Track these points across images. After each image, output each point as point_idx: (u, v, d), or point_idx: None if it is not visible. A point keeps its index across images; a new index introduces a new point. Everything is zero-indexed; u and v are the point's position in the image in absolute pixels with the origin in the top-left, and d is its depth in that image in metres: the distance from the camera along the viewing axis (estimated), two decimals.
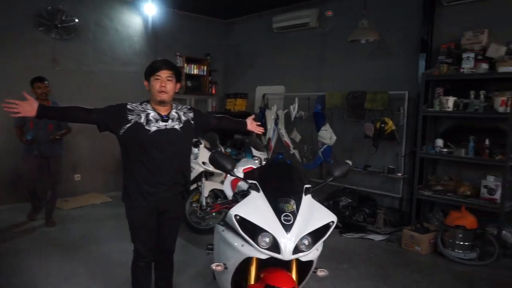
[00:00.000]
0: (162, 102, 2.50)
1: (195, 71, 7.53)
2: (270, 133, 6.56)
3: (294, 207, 2.06)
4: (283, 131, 6.44)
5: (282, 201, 2.07)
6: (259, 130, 3.11)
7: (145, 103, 2.55)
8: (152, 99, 2.52)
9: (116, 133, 2.46)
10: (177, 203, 2.68)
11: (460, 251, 4.13)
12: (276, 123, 6.52)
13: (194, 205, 4.89)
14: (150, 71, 2.47)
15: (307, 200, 2.17)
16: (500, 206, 4.18)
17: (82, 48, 6.27)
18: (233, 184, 3.24)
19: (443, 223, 4.36)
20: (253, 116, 3.17)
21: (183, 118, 2.59)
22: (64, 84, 6.08)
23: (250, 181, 2.23)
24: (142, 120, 2.46)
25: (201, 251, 4.22)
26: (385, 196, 5.50)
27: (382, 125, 5.05)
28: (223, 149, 5.12)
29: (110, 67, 6.53)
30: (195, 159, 4.89)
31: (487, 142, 4.31)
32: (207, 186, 4.77)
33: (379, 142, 5.21)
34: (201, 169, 4.76)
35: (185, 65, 7.33)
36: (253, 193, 2.18)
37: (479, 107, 4.36)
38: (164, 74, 2.47)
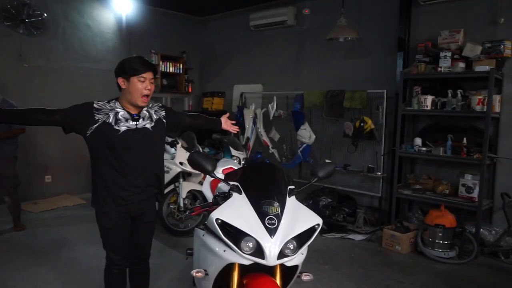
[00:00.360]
0: (140, 106, 2.36)
1: (171, 69, 7.34)
2: (248, 132, 6.46)
3: (278, 209, 1.96)
4: (261, 130, 6.34)
5: (266, 204, 1.97)
6: (234, 129, 3.02)
7: (113, 101, 2.38)
8: (125, 98, 2.34)
9: (83, 134, 2.29)
10: (151, 206, 2.54)
11: (440, 250, 4.14)
12: (254, 122, 6.42)
13: (172, 206, 4.74)
14: (133, 71, 2.28)
15: (291, 202, 2.08)
16: (478, 204, 4.21)
17: (51, 44, 6.00)
18: (213, 186, 3.11)
19: (423, 222, 4.36)
20: (227, 114, 3.05)
21: (155, 116, 2.45)
22: (32, 82, 5.82)
23: (231, 183, 2.12)
24: (111, 119, 2.30)
25: (179, 254, 4.09)
26: (364, 195, 5.49)
27: (361, 124, 5.03)
28: (201, 149, 4.99)
29: (81, 64, 6.28)
30: (172, 159, 4.74)
31: (464, 140, 4.34)
32: (185, 187, 4.63)
33: (358, 141, 5.18)
34: (179, 170, 4.62)
35: (161, 62, 7.12)
36: (235, 195, 2.07)
37: (456, 106, 4.38)
38: (149, 76, 2.33)
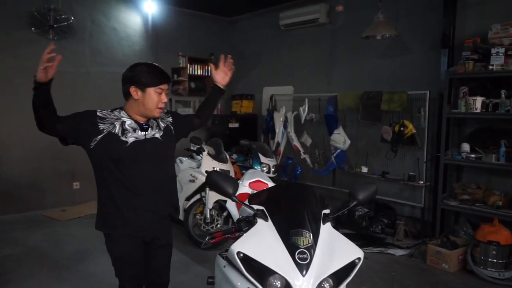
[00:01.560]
0: (153, 118, 2.15)
1: (199, 72, 7.15)
2: (279, 137, 6.16)
3: (311, 240, 1.66)
4: (292, 134, 6.03)
5: (296, 234, 1.67)
6: (230, 68, 2.49)
7: (117, 110, 2.14)
8: (136, 109, 2.10)
9: (87, 146, 2.04)
10: (166, 228, 2.29)
11: (494, 270, 3.70)
12: (285, 126, 6.12)
13: (198, 217, 4.51)
14: (151, 82, 2.04)
15: (326, 230, 1.77)
16: None
17: (78, 48, 5.92)
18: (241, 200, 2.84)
19: (473, 237, 3.92)
20: (212, 67, 2.52)
21: (162, 124, 2.21)
22: (59, 86, 5.69)
23: (256, 207, 1.83)
24: (117, 129, 2.06)
25: (204, 270, 3.85)
26: (404, 205, 5.07)
27: (401, 128, 4.62)
28: (228, 156, 4.73)
29: (108, 68, 6.17)
30: (198, 168, 4.52)
31: None
32: (211, 197, 4.38)
33: (398, 146, 4.77)
34: (204, 179, 4.38)
35: (188, 65, 6.95)
36: (260, 222, 1.77)
37: (511, 108, 3.91)
38: (166, 87, 2.11)
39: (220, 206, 4.51)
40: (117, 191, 2.06)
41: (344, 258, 1.67)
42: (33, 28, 5.45)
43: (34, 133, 2.19)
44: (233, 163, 5.15)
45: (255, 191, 3.02)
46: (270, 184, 3.10)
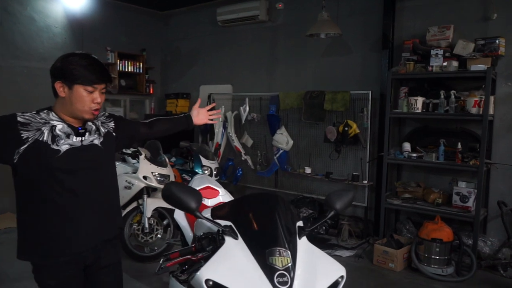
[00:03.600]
0: (88, 120, 1.80)
1: (130, 68, 6.63)
2: (218, 138, 5.90)
3: (290, 260, 1.44)
4: (233, 135, 5.80)
5: (272, 253, 1.44)
6: (213, 117, 2.35)
7: (45, 111, 1.76)
8: (65, 109, 1.74)
9: (9, 161, 1.66)
10: (112, 246, 1.93)
11: (437, 267, 3.77)
12: (224, 126, 5.87)
13: (135, 226, 4.10)
14: (82, 78, 1.67)
15: (304, 246, 1.57)
16: (475, 214, 3.88)
17: None
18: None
19: (417, 235, 3.98)
20: (198, 102, 2.32)
21: (102, 129, 1.88)
22: None
23: (223, 223, 1.57)
24: (46, 136, 1.68)
25: (143, 286, 3.48)
26: None
27: (346, 128, 4.60)
28: (167, 159, 4.37)
29: (24, 62, 5.46)
30: (134, 173, 4.11)
31: (459, 145, 3.99)
32: (150, 205, 4.01)
33: (342, 146, 4.75)
34: (142, 185, 3.99)
35: (118, 61, 6.41)
36: (228, 241, 1.52)
37: (450, 108, 4.03)
38: (100, 86, 1.74)
39: (159, 214, 4.15)
40: (47, 212, 1.69)
41: (327, 278, 1.48)
42: None
43: None
44: (171, 166, 4.79)
45: (205, 200, 2.76)
46: (221, 190, 2.83)
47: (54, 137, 1.70)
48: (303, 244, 1.57)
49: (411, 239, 4.12)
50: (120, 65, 6.47)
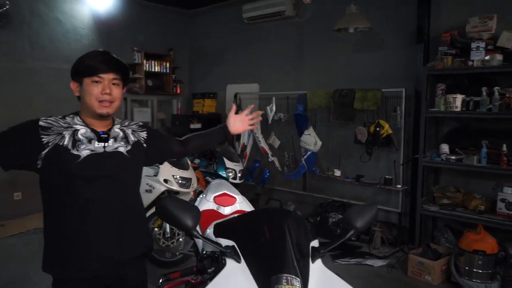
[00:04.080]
0: (102, 116, 1.66)
1: (156, 69, 6.57)
2: (244, 139, 5.73)
3: None
4: (259, 135, 5.60)
5: (279, 281, 1.24)
6: (254, 121, 2.08)
7: (70, 116, 1.68)
8: (84, 110, 1.66)
9: (32, 167, 1.58)
10: (137, 267, 1.76)
11: (480, 281, 3.42)
12: None
13: (156, 230, 3.99)
14: (86, 71, 1.60)
15: (318, 271, 1.36)
16: None
17: (16, 42, 5.20)
18: (204, 221, 2.38)
19: (457, 245, 3.64)
20: (233, 108, 2.08)
21: (132, 138, 1.75)
22: None
23: (224, 243, 1.38)
24: (66, 141, 1.58)
25: None
26: (378, 209, 4.75)
27: (377, 129, 4.30)
28: (189, 161, 4.23)
29: (52, 64, 5.48)
30: (155, 176, 4.00)
31: (504, 147, 3.62)
32: None
33: (374, 148, 4.46)
34: (163, 188, 3.88)
35: (145, 61, 6.36)
36: (230, 264, 1.33)
37: (493, 106, 3.66)
38: (108, 76, 1.62)
39: None
40: (69, 222, 1.59)
41: None
42: None
43: None
44: (195, 168, 4.66)
45: (221, 208, 2.58)
46: (239, 197, 2.66)
47: (75, 142, 1.60)
48: (317, 269, 1.35)
49: (450, 250, 3.79)
50: (147, 65, 6.42)
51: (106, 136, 1.66)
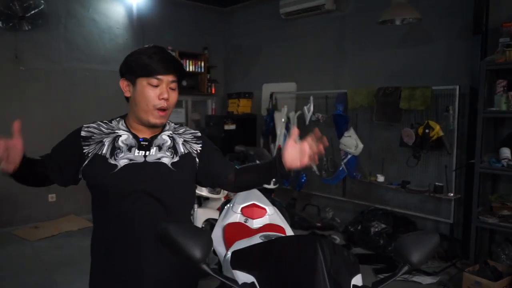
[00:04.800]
0: (155, 127, 1.45)
1: (191, 68, 6.42)
2: (280, 140, 5.44)
3: None
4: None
5: None
6: (318, 150, 1.47)
7: (117, 119, 1.50)
8: (133, 113, 1.45)
9: (76, 181, 1.47)
10: None
11: None
12: (287, 128, 5.39)
13: None
14: (143, 70, 1.38)
15: None
16: None
17: (52, 43, 5.20)
18: (230, 236, 2.12)
19: None
20: (294, 133, 1.49)
21: (182, 148, 1.50)
22: (31, 88, 5.05)
23: (242, 276, 1.11)
24: (105, 149, 1.40)
25: None
26: (426, 219, 4.33)
27: (426, 131, 3.89)
28: None
29: (86, 65, 5.45)
30: None
31: None
32: (201, 216, 3.67)
33: (422, 152, 4.04)
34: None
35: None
36: None
37: None
38: (168, 79, 1.40)
39: (211, 226, 3.79)
40: (106, 240, 1.44)
41: None
42: (0, 23, 4.74)
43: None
44: None
45: (249, 220, 2.32)
46: (269, 208, 2.38)
47: (114, 150, 1.40)
48: None
49: None
50: None
51: (147, 143, 1.43)
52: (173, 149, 1.47)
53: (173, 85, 1.42)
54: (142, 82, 1.38)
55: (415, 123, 4.10)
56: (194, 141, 1.54)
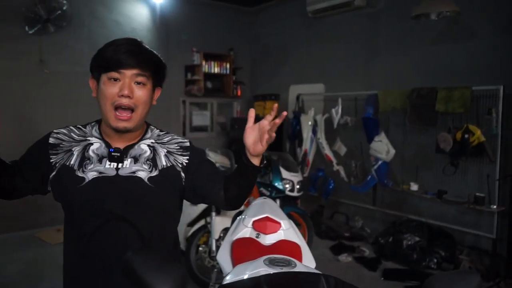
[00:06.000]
0: (121, 132, 1.23)
1: (216, 70, 6.28)
2: (306, 144, 5.17)
3: None
4: (323, 141, 5.02)
5: None
6: (268, 138, 1.18)
7: (92, 123, 1.34)
8: (103, 118, 1.26)
9: (45, 193, 1.30)
10: None
11: None
12: (314, 131, 5.12)
13: (201, 248, 3.61)
14: (102, 64, 1.21)
15: None
16: None
17: (75, 45, 5.18)
18: (238, 253, 1.90)
19: None
20: (250, 117, 1.24)
21: (164, 160, 1.28)
22: (55, 90, 5.04)
23: None
24: (74, 159, 1.22)
25: None
26: (465, 232, 3.95)
27: (465, 135, 3.53)
28: None
29: None
30: None
31: None
32: (218, 224, 3.47)
33: (461, 159, 3.68)
34: None
35: (204, 62, 6.09)
36: None
37: None
38: (131, 72, 1.19)
39: None
40: (72, 263, 1.26)
41: None
42: (27, 28, 4.76)
43: (29, 142, 1.37)
44: None
45: (261, 236, 2.09)
46: (284, 223, 2.13)
47: (83, 160, 1.21)
48: None
49: None
50: (206, 66, 6.15)
51: (118, 154, 1.22)
52: (152, 161, 1.26)
53: (141, 79, 1.20)
54: (104, 77, 1.20)
55: (452, 127, 3.74)
56: (179, 153, 1.32)
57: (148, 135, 1.33)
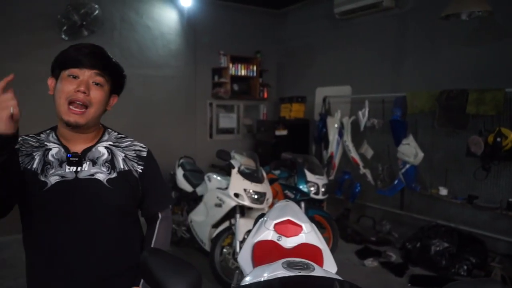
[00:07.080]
0: (72, 126, 1.26)
1: (243, 72, 6.31)
2: (333, 147, 5.14)
3: None
4: (349, 144, 4.97)
5: None
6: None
7: (48, 131, 1.35)
8: (57, 115, 1.28)
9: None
10: None
11: None
12: (340, 134, 5.08)
13: (225, 250, 3.65)
14: (63, 61, 1.26)
15: None
16: None
17: (107, 48, 5.18)
18: (259, 255, 1.92)
19: None
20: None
21: (121, 164, 1.33)
22: None
23: None
24: (35, 164, 1.25)
25: None
26: (498, 239, 3.81)
27: (498, 139, 3.41)
28: (264, 174, 3.81)
29: (140, 70, 5.51)
30: (224, 189, 3.66)
31: None
32: (242, 226, 3.51)
33: (493, 163, 3.56)
34: (233, 203, 3.52)
35: (231, 65, 6.14)
36: None
37: None
38: (89, 72, 1.25)
39: None
40: (35, 261, 1.29)
41: None
42: (63, 35, 4.95)
43: None
44: (274, 180, 4.24)
45: (282, 238, 2.09)
46: (306, 226, 2.12)
47: (45, 165, 1.25)
48: None
49: None
50: (233, 69, 6.19)
51: (76, 158, 1.26)
52: (111, 163, 1.29)
53: (99, 80, 1.25)
54: (63, 74, 1.24)
55: (484, 130, 3.63)
56: (135, 160, 1.36)
57: (105, 137, 1.37)
